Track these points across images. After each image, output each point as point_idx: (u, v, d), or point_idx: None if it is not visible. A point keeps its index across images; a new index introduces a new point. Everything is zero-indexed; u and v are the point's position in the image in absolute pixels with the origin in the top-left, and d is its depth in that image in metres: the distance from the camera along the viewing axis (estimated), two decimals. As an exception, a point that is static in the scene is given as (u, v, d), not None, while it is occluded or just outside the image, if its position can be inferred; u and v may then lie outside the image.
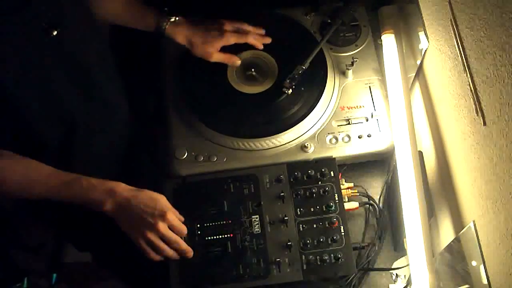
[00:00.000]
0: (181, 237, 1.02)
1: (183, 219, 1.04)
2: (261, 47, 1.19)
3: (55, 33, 0.86)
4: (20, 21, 0.81)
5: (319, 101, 1.15)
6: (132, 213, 0.98)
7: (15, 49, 0.83)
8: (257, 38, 1.19)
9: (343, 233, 1.04)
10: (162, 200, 1.00)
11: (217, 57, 1.15)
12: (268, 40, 1.20)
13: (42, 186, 0.97)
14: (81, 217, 1.10)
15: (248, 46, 1.20)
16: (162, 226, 0.98)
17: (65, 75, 0.94)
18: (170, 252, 1.01)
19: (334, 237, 1.03)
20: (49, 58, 0.89)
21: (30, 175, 0.97)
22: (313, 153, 1.12)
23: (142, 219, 0.98)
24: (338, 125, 1.15)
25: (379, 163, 1.19)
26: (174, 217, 1.01)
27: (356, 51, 1.23)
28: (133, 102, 1.20)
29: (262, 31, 1.21)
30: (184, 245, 1.01)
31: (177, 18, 1.14)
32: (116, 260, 1.45)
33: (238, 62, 1.18)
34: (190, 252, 1.03)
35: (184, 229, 1.02)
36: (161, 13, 1.13)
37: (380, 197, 1.15)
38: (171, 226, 1.00)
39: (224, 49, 1.17)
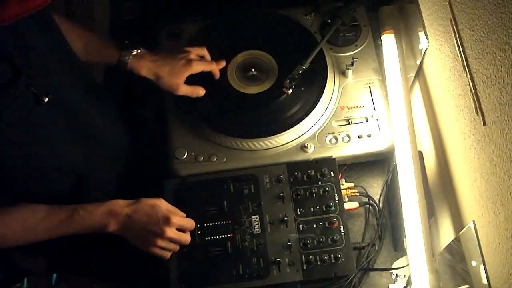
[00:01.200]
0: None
1: (184, 215, 1.04)
2: (217, 76, 1.18)
3: (46, 100, 0.86)
4: (11, 93, 0.81)
5: (319, 101, 1.15)
6: (137, 228, 0.98)
7: (11, 119, 0.83)
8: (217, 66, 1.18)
9: (343, 233, 1.04)
10: (161, 205, 1.00)
11: (184, 89, 1.12)
12: (222, 64, 1.19)
13: (42, 231, 0.97)
14: (72, 243, 1.10)
15: (248, 47, 1.21)
16: (170, 232, 0.99)
17: (65, 133, 0.95)
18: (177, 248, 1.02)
19: (334, 237, 1.03)
20: (46, 122, 0.89)
21: (28, 225, 0.96)
22: (313, 153, 1.12)
23: (149, 230, 0.98)
24: (338, 125, 1.15)
25: (379, 163, 1.19)
26: (179, 218, 1.01)
27: (356, 51, 1.23)
28: (133, 102, 1.20)
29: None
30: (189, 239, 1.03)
31: (139, 51, 1.10)
32: (115, 261, 1.45)
33: (202, 92, 1.15)
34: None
35: (191, 223, 1.04)
36: (122, 46, 1.10)
37: (380, 197, 1.15)
38: (179, 227, 1.01)
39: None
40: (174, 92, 1.12)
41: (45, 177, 0.95)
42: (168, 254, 1.02)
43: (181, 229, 1.02)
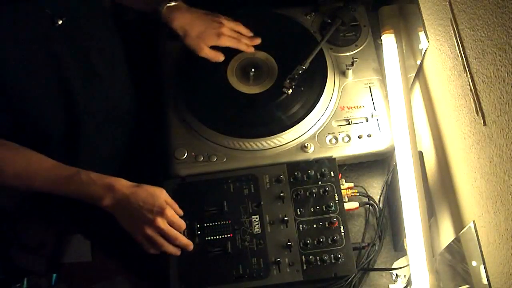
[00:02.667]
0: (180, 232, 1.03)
1: (181, 212, 1.04)
2: (250, 50, 1.20)
3: (60, 22, 0.87)
4: (25, 9, 0.81)
5: (319, 101, 1.15)
6: (130, 210, 0.98)
7: (20, 38, 0.83)
8: (248, 44, 1.20)
9: (343, 233, 1.04)
10: (161, 196, 1.00)
11: (206, 52, 1.15)
12: (257, 41, 1.21)
13: (41, 180, 0.97)
14: (78, 211, 1.10)
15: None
16: (161, 222, 0.98)
17: (71, 65, 0.94)
18: (170, 247, 1.01)
19: (334, 237, 1.03)
20: (56, 47, 0.89)
21: (30, 168, 0.97)
22: (313, 153, 1.12)
23: (140, 215, 0.98)
24: (338, 125, 1.15)
25: (379, 163, 1.19)
26: (173, 213, 1.01)
27: (356, 51, 1.23)
28: (132, 86, 1.20)
29: (251, 34, 1.22)
30: (183, 240, 1.02)
31: (175, 3, 1.14)
32: (115, 260, 1.45)
33: (222, 58, 1.18)
34: (190, 245, 1.03)
35: (182, 224, 1.02)
36: None
37: (380, 197, 1.15)
38: (170, 222, 1.00)
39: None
40: (196, 52, 1.14)
41: (41, 109, 0.94)
42: (151, 248, 1.00)
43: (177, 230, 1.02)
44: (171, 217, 1.00)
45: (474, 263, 0.82)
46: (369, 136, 1.13)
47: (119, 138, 1.17)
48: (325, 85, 1.16)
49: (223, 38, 1.15)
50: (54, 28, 0.86)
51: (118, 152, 1.18)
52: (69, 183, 0.97)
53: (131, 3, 1.14)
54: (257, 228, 1.05)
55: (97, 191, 0.97)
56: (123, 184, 0.99)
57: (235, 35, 1.19)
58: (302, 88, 1.17)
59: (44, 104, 0.93)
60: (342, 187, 1.09)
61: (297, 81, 1.15)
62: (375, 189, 1.17)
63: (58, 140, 1.00)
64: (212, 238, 1.05)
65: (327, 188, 1.07)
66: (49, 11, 0.85)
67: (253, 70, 1.19)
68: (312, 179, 1.08)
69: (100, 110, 1.06)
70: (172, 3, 1.13)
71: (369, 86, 1.19)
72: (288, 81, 1.14)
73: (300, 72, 1.14)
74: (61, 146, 1.01)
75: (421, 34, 1.01)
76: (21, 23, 0.82)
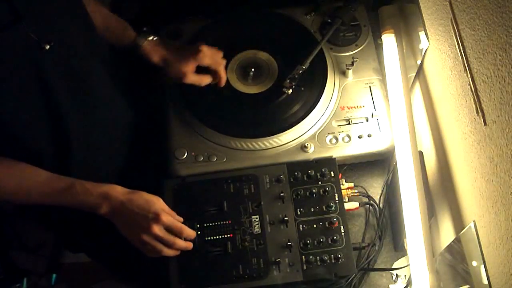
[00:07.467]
0: (186, 237, 1.02)
1: (181, 220, 1.04)
2: (222, 85, 1.16)
3: (47, 47, 0.86)
4: (12, 37, 0.81)
5: (319, 101, 1.15)
6: (127, 217, 0.98)
7: (7, 64, 0.82)
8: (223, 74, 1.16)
9: (343, 233, 1.04)
10: (157, 202, 1.00)
11: (192, 78, 1.12)
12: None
13: (37, 193, 0.97)
14: (77, 218, 1.10)
15: (248, 47, 1.21)
16: (157, 229, 0.98)
17: (62, 90, 0.93)
18: (169, 252, 1.01)
19: (334, 237, 1.03)
20: (45, 72, 0.89)
21: (26, 182, 0.97)
22: (313, 153, 1.12)
23: (136, 222, 0.98)
24: (338, 125, 1.15)
25: (379, 163, 1.19)
26: (169, 218, 1.00)
27: (356, 51, 1.23)
28: (132, 102, 1.20)
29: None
30: (182, 244, 1.01)
31: (155, 38, 1.13)
32: (115, 260, 1.45)
33: (209, 80, 1.15)
34: (189, 246, 1.03)
35: (183, 228, 1.01)
36: (140, 31, 1.12)
37: (380, 197, 1.15)
38: (167, 228, 0.99)
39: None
40: (181, 80, 1.12)
41: (26, 127, 0.93)
42: (150, 253, 1.00)
43: (176, 234, 1.01)
44: (167, 223, 0.99)
45: (474, 263, 0.82)
46: (369, 136, 1.13)
47: (117, 152, 1.16)
48: (325, 85, 1.16)
49: (200, 55, 1.11)
50: (42, 53, 0.85)
51: (117, 163, 1.17)
52: (65, 195, 0.97)
53: (108, 39, 1.12)
54: (257, 228, 1.05)
55: (93, 200, 0.97)
56: (118, 191, 0.99)
57: (215, 58, 1.14)
58: (302, 88, 1.17)
59: (31, 127, 0.93)
60: (342, 187, 1.08)
61: (297, 81, 1.15)
62: (375, 189, 1.17)
63: (50, 160, 1.00)
64: (212, 238, 1.05)
65: (327, 188, 1.07)
66: (34, 36, 0.84)
67: (253, 70, 1.19)
68: (312, 179, 1.08)
69: (95, 131, 1.06)
70: (150, 38, 1.12)
71: (369, 86, 1.19)
72: (288, 81, 1.14)
73: (300, 72, 1.14)
74: (53, 164, 1.00)
75: (421, 34, 1.01)
76: (6, 49, 0.81)
